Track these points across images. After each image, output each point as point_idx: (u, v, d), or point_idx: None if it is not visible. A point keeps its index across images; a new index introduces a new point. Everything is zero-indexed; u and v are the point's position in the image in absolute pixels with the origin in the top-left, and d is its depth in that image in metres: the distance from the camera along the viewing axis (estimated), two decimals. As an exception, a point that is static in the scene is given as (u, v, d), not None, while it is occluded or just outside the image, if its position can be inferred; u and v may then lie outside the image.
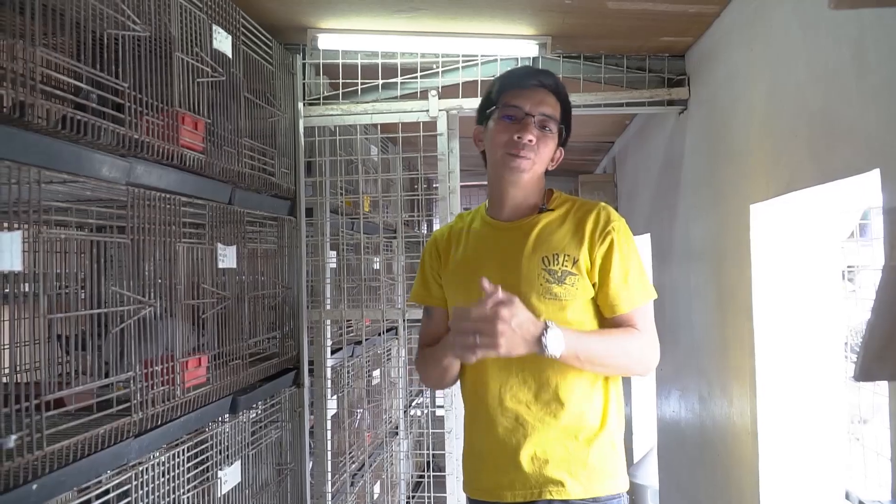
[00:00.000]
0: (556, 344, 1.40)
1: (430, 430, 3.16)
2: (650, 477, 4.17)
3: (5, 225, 1.17)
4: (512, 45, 2.79)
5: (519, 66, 1.68)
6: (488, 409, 1.57)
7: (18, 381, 1.71)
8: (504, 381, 1.55)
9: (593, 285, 1.55)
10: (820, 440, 2.18)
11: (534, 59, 2.83)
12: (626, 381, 5.07)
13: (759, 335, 2.19)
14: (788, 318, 2.17)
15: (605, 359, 1.50)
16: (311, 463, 2.85)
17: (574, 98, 2.84)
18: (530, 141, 1.53)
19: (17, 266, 1.16)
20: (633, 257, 1.56)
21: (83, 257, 2.09)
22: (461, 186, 3.01)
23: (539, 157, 1.55)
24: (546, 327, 1.40)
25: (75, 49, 1.53)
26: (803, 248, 2.17)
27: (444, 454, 2.98)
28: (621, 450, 1.61)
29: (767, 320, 2.18)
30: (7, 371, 1.73)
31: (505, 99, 1.57)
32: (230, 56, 2.08)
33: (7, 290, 1.27)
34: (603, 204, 1.62)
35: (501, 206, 1.62)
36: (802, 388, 2.18)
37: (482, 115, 1.63)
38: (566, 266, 1.52)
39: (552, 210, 1.60)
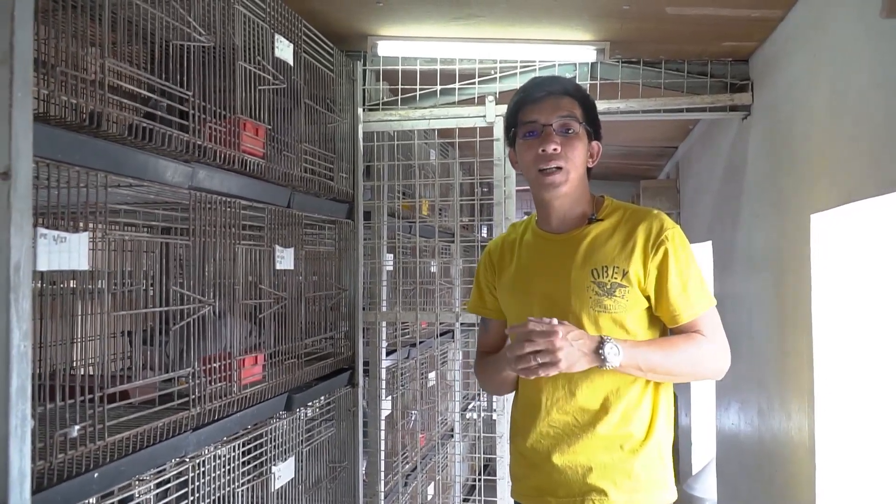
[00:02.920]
0: (614, 354, 1.42)
1: (482, 434, 3.17)
2: (709, 490, 4.08)
3: (81, 225, 1.24)
4: (570, 50, 2.78)
5: (526, 81, 1.68)
6: (535, 419, 1.58)
7: (83, 373, 1.80)
8: (551, 393, 1.56)
9: (647, 297, 1.53)
10: (881, 460, 2.10)
11: (592, 64, 2.82)
12: (686, 391, 4.97)
13: (819, 349, 2.13)
14: (850, 332, 2.11)
15: (669, 367, 1.50)
16: (364, 462, 2.90)
17: (633, 103, 2.83)
18: (555, 150, 1.52)
19: (84, 265, 1.23)
20: (690, 265, 1.53)
21: (150, 257, 2.18)
22: (518, 191, 3.02)
23: (571, 162, 1.54)
24: (602, 340, 1.42)
25: (144, 58, 1.61)
26: (866, 261, 2.10)
27: (495, 458, 2.99)
28: (668, 460, 1.58)
29: (827, 334, 2.12)
30: (76, 364, 1.83)
31: (521, 117, 1.58)
32: (291, 64, 2.15)
33: (75, 288, 1.35)
34: (656, 211, 1.58)
35: (549, 218, 1.62)
36: (863, 406, 2.10)
37: (508, 138, 1.65)
38: (616, 278, 1.51)
39: (602, 220, 1.58)
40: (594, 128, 1.60)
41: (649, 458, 1.53)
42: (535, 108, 1.56)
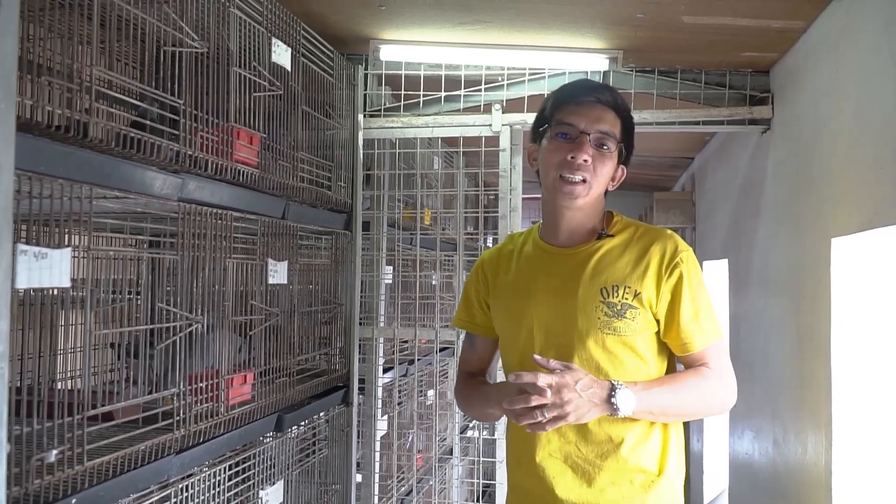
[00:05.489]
0: (626, 402, 1.38)
1: (481, 459, 3.16)
2: (720, 520, 4.06)
3: (64, 240, 1.25)
4: (581, 58, 2.79)
5: (575, 80, 1.64)
6: (534, 450, 1.54)
7: (63, 388, 1.80)
8: None
9: (657, 321, 1.51)
10: (902, 498, 2.09)
11: (604, 73, 2.83)
12: (699, 415, 4.95)
13: (837, 379, 2.12)
14: (870, 363, 2.10)
15: (680, 408, 1.48)
16: (357, 485, 2.89)
17: (647, 115, 2.84)
18: (585, 161, 1.48)
19: (66, 283, 1.23)
20: (702, 291, 1.51)
21: (137, 266, 2.19)
22: (525, 199, 3.02)
23: (596, 178, 1.50)
24: (613, 386, 1.38)
25: (133, 64, 1.61)
26: (890, 290, 2.09)
27: (495, 484, 2.98)
28: (681, 497, 1.55)
29: (847, 364, 2.11)
30: (57, 376, 1.83)
31: (559, 116, 1.53)
32: (289, 69, 2.15)
33: (57, 297, 1.35)
34: (669, 231, 1.57)
35: (556, 230, 1.58)
36: (884, 441, 2.09)
37: (536, 132, 1.60)
38: (627, 299, 1.48)
39: (612, 236, 1.56)
40: (627, 151, 1.57)
41: (662, 494, 1.50)
42: (578, 111, 1.51)
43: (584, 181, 1.50)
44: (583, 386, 1.35)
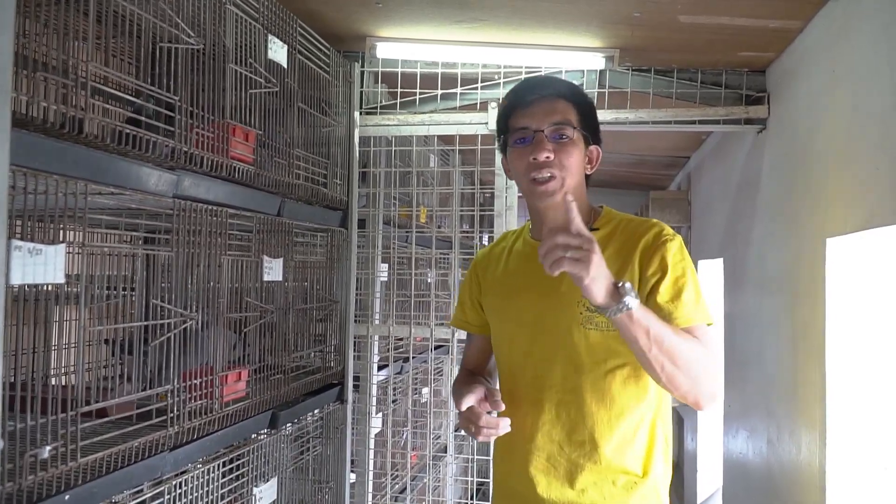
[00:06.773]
0: (632, 296, 1.28)
1: (475, 457, 3.17)
2: (714, 519, 4.08)
3: (60, 236, 1.25)
4: (577, 57, 2.79)
5: (519, 82, 1.63)
6: (518, 448, 1.54)
7: (57, 384, 1.80)
8: (537, 417, 1.52)
9: None
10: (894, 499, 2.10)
11: (600, 72, 2.83)
12: (693, 413, 4.97)
13: (831, 379, 2.13)
14: (864, 364, 2.11)
15: (674, 348, 1.35)
16: (351, 481, 2.90)
17: (643, 114, 2.84)
18: (548, 158, 1.47)
19: (61, 279, 1.23)
20: (687, 274, 1.46)
21: (132, 265, 2.19)
22: (520, 197, 3.02)
23: (564, 170, 1.48)
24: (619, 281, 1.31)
25: (129, 60, 1.61)
26: (884, 290, 2.10)
27: (488, 482, 2.99)
28: (666, 501, 1.54)
29: (841, 364, 2.12)
30: (52, 371, 1.83)
31: (511, 123, 1.54)
32: (285, 66, 2.15)
33: (51, 293, 1.35)
34: (655, 220, 1.55)
35: (543, 227, 1.51)
36: (877, 442, 2.10)
37: (500, 145, 1.61)
38: None
39: (597, 229, 1.53)
40: (592, 132, 1.55)
41: (646, 497, 1.49)
42: (527, 112, 1.51)
43: (553, 177, 1.48)
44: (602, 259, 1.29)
